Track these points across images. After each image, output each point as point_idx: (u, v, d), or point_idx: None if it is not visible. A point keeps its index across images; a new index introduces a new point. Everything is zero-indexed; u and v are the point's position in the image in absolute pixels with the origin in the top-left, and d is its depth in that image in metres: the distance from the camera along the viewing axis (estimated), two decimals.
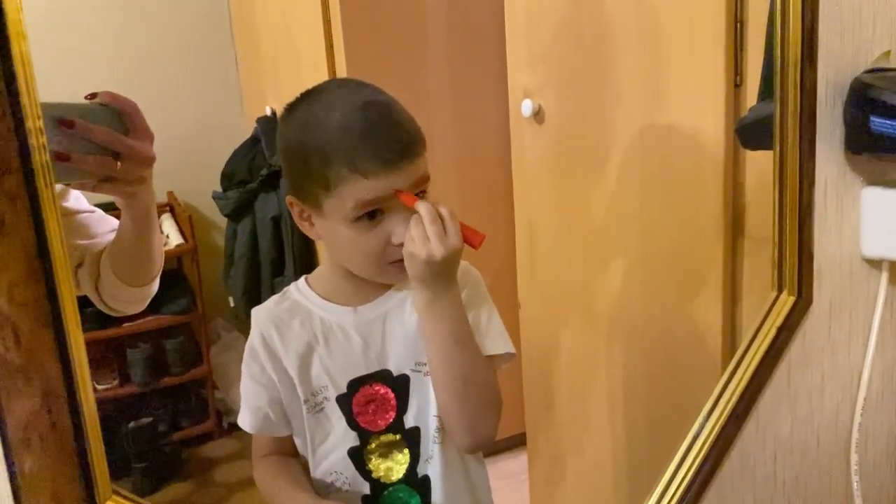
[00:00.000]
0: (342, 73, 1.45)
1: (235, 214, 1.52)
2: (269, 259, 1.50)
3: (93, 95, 0.67)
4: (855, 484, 1.03)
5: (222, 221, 1.43)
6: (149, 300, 0.85)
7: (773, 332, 0.92)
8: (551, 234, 1.64)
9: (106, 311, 0.82)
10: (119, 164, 0.67)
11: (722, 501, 0.96)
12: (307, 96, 0.81)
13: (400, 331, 0.84)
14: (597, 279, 1.51)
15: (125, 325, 1.24)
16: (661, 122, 1.27)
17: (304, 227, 0.83)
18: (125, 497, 0.62)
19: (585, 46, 1.40)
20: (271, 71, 1.54)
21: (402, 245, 0.78)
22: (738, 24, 1.09)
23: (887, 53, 0.97)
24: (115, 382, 1.28)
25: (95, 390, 1.19)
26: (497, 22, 1.61)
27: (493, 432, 0.83)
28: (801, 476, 1.02)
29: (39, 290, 0.56)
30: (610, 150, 1.40)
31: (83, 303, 1.19)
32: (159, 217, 1.27)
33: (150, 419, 1.30)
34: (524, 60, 1.57)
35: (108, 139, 0.66)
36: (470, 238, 0.77)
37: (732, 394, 0.91)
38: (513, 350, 0.86)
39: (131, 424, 1.28)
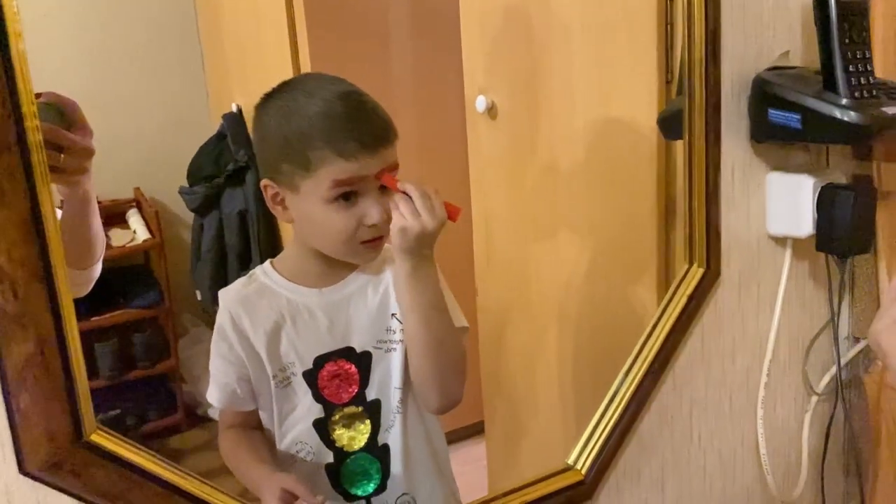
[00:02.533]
0: (306, 69, 1.53)
1: (202, 209, 1.51)
2: (235, 253, 1.51)
3: (38, 95, 0.72)
4: (760, 436, 1.15)
5: (189, 216, 1.42)
6: (93, 282, 0.89)
7: (684, 299, 1.03)
8: (505, 224, 1.73)
9: None
10: (62, 156, 0.73)
11: (642, 451, 1.07)
12: (285, 86, 0.88)
13: (363, 311, 0.91)
14: (547, 266, 1.61)
15: (93, 318, 1.23)
16: (602, 116, 1.37)
17: (277, 212, 0.88)
18: (108, 432, 0.72)
19: (534, 45, 1.49)
20: (237, 68, 1.60)
21: (374, 226, 0.84)
22: (668, 26, 1.19)
23: (786, 53, 1.09)
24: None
25: None
26: (458, 19, 1.68)
27: (461, 394, 0.92)
28: (715, 432, 1.14)
29: (33, 250, 0.65)
30: (557, 143, 1.50)
31: None
32: (126, 213, 1.31)
33: (117, 412, 1.28)
34: (478, 57, 1.66)
35: (52, 134, 0.72)
36: (450, 212, 0.84)
37: (649, 353, 1.02)
38: (467, 324, 0.94)
39: (99, 417, 1.29)
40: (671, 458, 1.10)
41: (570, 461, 1.00)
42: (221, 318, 0.88)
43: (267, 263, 0.93)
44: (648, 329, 1.04)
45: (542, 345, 1.65)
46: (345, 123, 0.83)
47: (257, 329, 0.88)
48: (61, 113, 0.74)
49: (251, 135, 0.91)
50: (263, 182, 0.87)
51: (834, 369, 1.19)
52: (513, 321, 1.75)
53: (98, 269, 0.89)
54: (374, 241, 0.87)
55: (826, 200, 1.07)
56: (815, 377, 1.21)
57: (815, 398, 1.21)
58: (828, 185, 1.07)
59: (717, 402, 1.13)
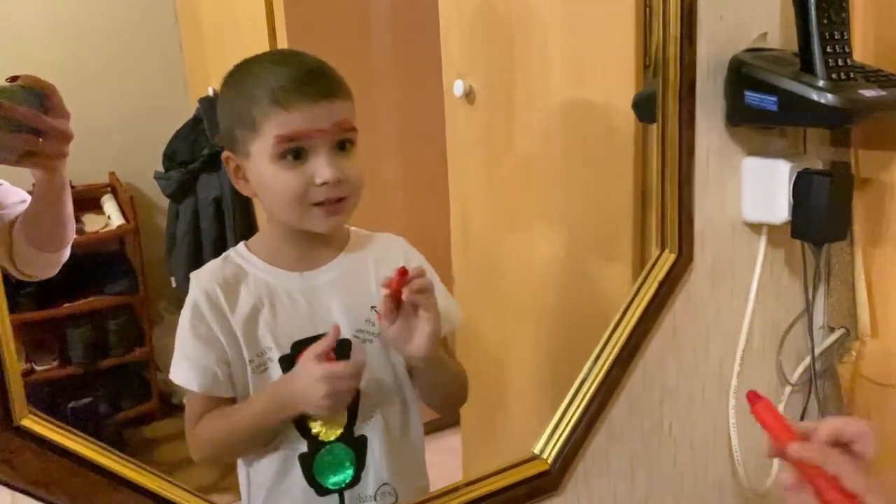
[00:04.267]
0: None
1: (177, 195, 1.50)
2: (210, 239, 1.50)
3: (14, 78, 0.72)
4: (732, 427, 1.13)
5: (165, 202, 1.40)
6: (60, 265, 0.88)
7: (655, 285, 1.01)
8: (482, 211, 1.71)
9: (19, 276, 0.86)
10: (40, 140, 0.73)
11: (611, 441, 1.04)
12: (244, 61, 0.87)
13: (345, 298, 0.88)
14: (522, 253, 1.59)
15: (65, 305, 1.22)
16: (579, 99, 1.35)
17: (240, 185, 0.86)
18: (39, 416, 0.68)
19: (512, 28, 1.47)
20: (215, 52, 1.58)
21: (325, 184, 0.82)
22: (647, 10, 1.17)
23: (765, 35, 1.06)
24: (56, 363, 1.24)
25: (34, 371, 1.21)
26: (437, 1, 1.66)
27: (466, 397, 0.97)
28: (686, 422, 1.11)
29: None
30: (534, 128, 1.48)
31: (21, 283, 1.20)
32: (101, 198, 1.29)
33: (90, 399, 1.26)
34: (456, 41, 1.64)
35: (29, 118, 0.71)
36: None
37: (618, 340, 1.00)
38: (459, 320, 0.96)
39: (71, 405, 1.24)
40: (641, 449, 1.08)
41: (537, 450, 0.98)
42: (196, 297, 0.86)
43: (241, 245, 0.90)
44: (618, 315, 1.01)
45: (518, 335, 1.63)
46: (287, 76, 0.82)
47: (235, 310, 0.85)
48: (39, 97, 0.72)
49: (217, 113, 0.88)
50: (224, 155, 0.86)
51: (808, 359, 1.17)
52: (489, 310, 1.73)
53: (67, 252, 0.87)
54: (328, 203, 0.84)
55: (802, 186, 1.04)
56: (789, 367, 1.19)
57: (788, 388, 1.19)
58: (804, 171, 1.05)
59: (689, 391, 1.11)
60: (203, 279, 0.87)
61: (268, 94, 0.81)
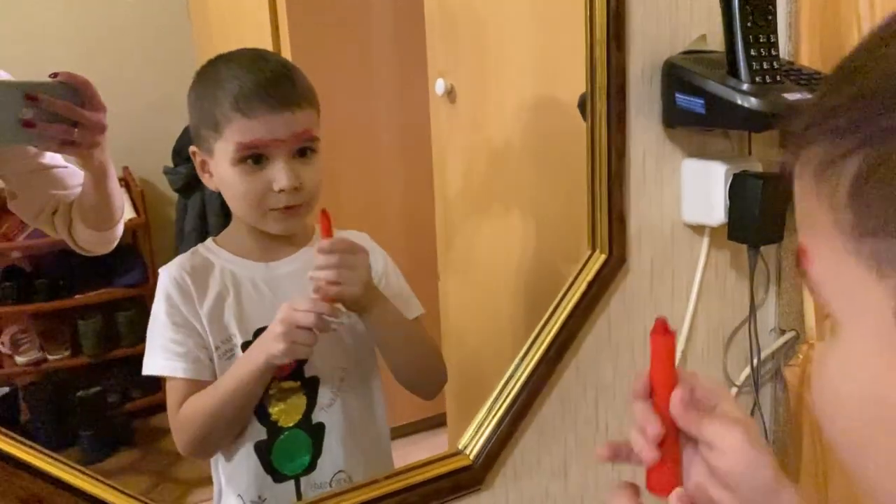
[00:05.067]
0: (286, 52, 1.55)
1: (185, 190, 1.55)
2: (217, 233, 1.57)
3: (55, 74, 0.80)
4: None
5: (175, 197, 1.39)
6: (115, 242, 0.95)
7: (584, 285, 1.02)
8: (464, 208, 1.73)
9: (80, 251, 0.93)
10: (76, 130, 0.80)
11: (541, 438, 1.06)
12: (215, 58, 0.90)
13: (307, 288, 0.89)
14: (500, 249, 1.61)
15: (77, 296, 1.25)
16: (546, 98, 1.37)
17: (205, 179, 0.90)
18: None
19: (488, 28, 1.49)
20: (222, 47, 1.63)
21: (282, 191, 0.85)
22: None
23: (703, 37, 1.07)
24: (67, 353, 1.27)
25: (47, 360, 1.26)
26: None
27: (445, 374, 0.98)
28: (624, 422, 1.12)
29: None
30: (508, 127, 1.50)
31: (35, 275, 1.26)
32: None
33: (98, 389, 1.29)
34: (438, 40, 1.66)
35: (67, 110, 0.79)
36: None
37: (545, 338, 1.01)
38: (422, 310, 0.98)
39: (80, 394, 1.28)
40: (575, 447, 1.09)
41: (461, 446, 1.00)
42: (166, 287, 0.89)
43: (209, 240, 0.94)
44: (546, 315, 1.02)
45: (500, 333, 1.64)
46: (250, 83, 0.84)
47: (202, 298, 0.88)
48: (75, 90, 0.80)
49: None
50: (191, 148, 0.89)
51: (754, 361, 1.17)
52: (472, 307, 1.75)
53: (119, 230, 0.95)
54: (286, 209, 0.87)
55: (737, 188, 1.05)
56: (736, 369, 1.19)
57: (734, 390, 1.19)
58: (739, 174, 1.05)
59: (627, 391, 1.11)
60: (172, 270, 0.90)
61: (230, 99, 0.83)
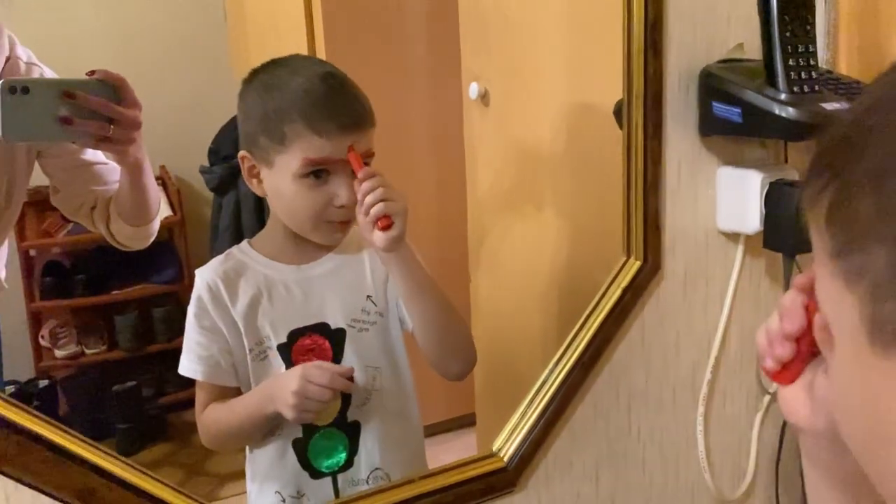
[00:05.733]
0: (321, 54, 1.57)
1: (220, 188, 1.58)
2: (251, 232, 1.57)
3: (92, 72, 0.82)
4: (699, 433, 1.14)
5: (210, 195, 1.43)
6: (152, 237, 0.97)
7: (618, 291, 1.03)
8: (496, 211, 1.74)
9: (117, 245, 0.96)
10: (112, 127, 0.82)
11: (574, 442, 1.07)
12: (272, 64, 0.92)
13: (338, 289, 0.94)
14: (532, 253, 1.62)
15: (114, 292, 1.28)
16: (583, 102, 1.37)
17: (252, 184, 0.91)
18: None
19: (522, 32, 1.50)
20: (257, 49, 1.66)
21: (342, 207, 0.87)
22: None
23: (741, 45, 1.07)
24: (104, 347, 1.30)
25: (84, 354, 1.29)
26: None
27: (474, 354, 0.97)
28: (656, 426, 1.13)
29: None
30: (543, 130, 1.51)
31: (74, 270, 1.29)
32: None
33: (134, 383, 1.32)
34: (472, 44, 1.67)
35: (103, 108, 0.81)
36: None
37: (579, 344, 1.02)
38: None
39: (116, 387, 1.31)
40: (607, 451, 1.10)
41: (495, 448, 1.01)
42: (199, 291, 0.91)
43: (244, 242, 0.96)
44: (581, 320, 1.03)
45: (531, 335, 1.65)
46: (323, 101, 0.86)
47: (236, 301, 0.91)
48: (112, 88, 0.82)
49: (237, 108, 0.94)
50: (241, 153, 0.91)
51: None
52: (503, 309, 1.76)
53: (155, 226, 0.97)
54: (340, 222, 0.90)
55: (773, 197, 1.05)
56: (768, 378, 1.19)
57: (767, 397, 1.19)
58: (776, 182, 1.05)
59: (660, 397, 1.12)
60: (205, 274, 0.92)
61: (303, 116, 0.85)
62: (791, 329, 0.53)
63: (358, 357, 0.93)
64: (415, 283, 0.91)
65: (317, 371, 0.86)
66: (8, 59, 0.86)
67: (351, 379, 0.90)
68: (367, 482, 0.94)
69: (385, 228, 0.85)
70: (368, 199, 0.85)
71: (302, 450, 0.93)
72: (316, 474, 0.93)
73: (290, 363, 0.91)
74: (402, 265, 0.89)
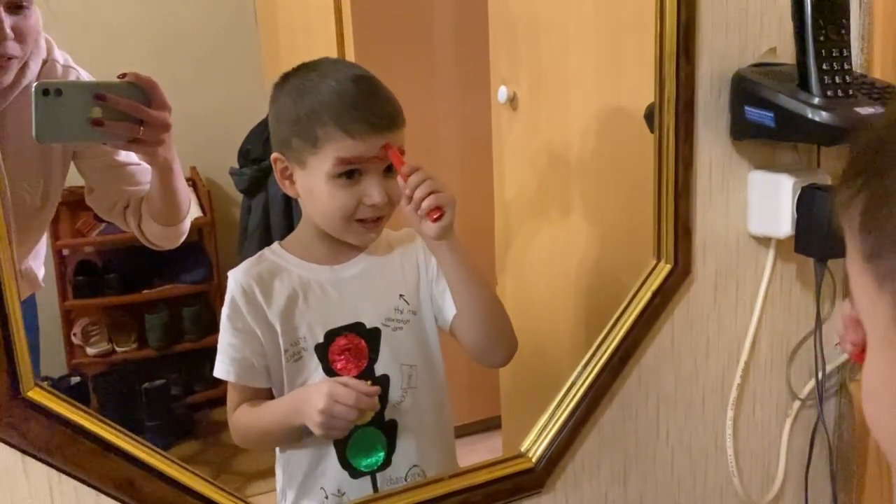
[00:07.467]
0: (350, 57, 1.58)
1: (250, 190, 1.60)
2: (280, 233, 1.57)
3: (123, 75, 0.84)
4: (728, 437, 1.13)
5: (239, 197, 1.46)
6: (182, 237, 0.99)
7: (648, 295, 1.03)
8: (524, 214, 1.75)
9: (148, 245, 0.98)
10: (142, 129, 0.83)
11: (602, 444, 1.07)
12: (302, 67, 0.93)
13: (373, 289, 0.95)
14: (561, 255, 1.62)
15: (145, 291, 1.31)
16: (613, 106, 1.38)
17: (285, 186, 0.92)
18: (47, 389, 0.77)
19: (551, 36, 1.51)
20: (288, 52, 1.67)
21: (374, 206, 0.89)
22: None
23: (773, 49, 1.07)
24: (134, 345, 1.33)
25: (115, 352, 1.31)
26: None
27: (515, 341, 0.97)
28: (685, 429, 1.13)
29: None
30: (572, 134, 1.51)
31: (107, 269, 1.31)
32: None
33: (163, 381, 1.35)
34: (502, 48, 1.68)
35: (133, 110, 0.82)
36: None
37: (608, 347, 1.02)
38: None
39: (145, 385, 1.33)
40: (635, 454, 1.10)
41: (523, 449, 1.02)
42: (233, 293, 0.92)
43: (276, 244, 0.97)
44: (610, 323, 1.04)
45: (558, 338, 1.65)
46: (354, 103, 0.88)
47: (271, 303, 0.92)
48: (142, 91, 0.83)
49: (269, 111, 0.95)
50: (274, 155, 0.92)
51: (819, 375, 1.16)
52: (530, 311, 1.77)
53: (185, 226, 0.99)
54: (371, 221, 0.91)
55: (805, 201, 1.04)
56: (799, 382, 1.19)
57: (797, 403, 1.18)
58: (808, 186, 1.05)
59: (689, 400, 1.12)
60: (239, 276, 0.93)
61: (335, 118, 0.87)
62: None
63: (393, 355, 0.94)
64: (464, 270, 0.92)
65: (343, 391, 0.86)
66: (45, 62, 0.89)
67: (379, 395, 0.91)
68: (406, 479, 0.95)
69: (437, 219, 0.86)
70: (418, 192, 0.86)
71: (341, 450, 0.94)
72: (355, 474, 0.94)
73: (326, 363, 0.92)
74: (451, 253, 0.91)
